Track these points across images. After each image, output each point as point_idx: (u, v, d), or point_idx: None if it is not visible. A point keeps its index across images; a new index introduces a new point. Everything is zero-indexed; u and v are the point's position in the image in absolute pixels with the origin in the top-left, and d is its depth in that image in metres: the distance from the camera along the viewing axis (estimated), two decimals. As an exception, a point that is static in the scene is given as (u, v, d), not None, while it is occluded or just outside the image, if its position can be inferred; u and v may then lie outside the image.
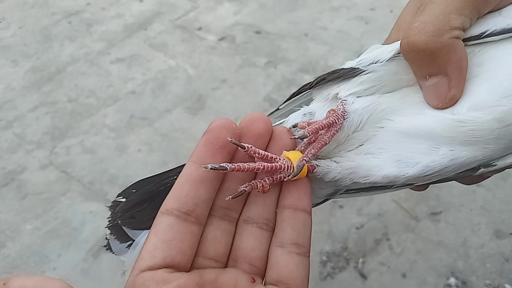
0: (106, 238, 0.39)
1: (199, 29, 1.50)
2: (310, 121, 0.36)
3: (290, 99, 0.43)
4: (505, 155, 0.35)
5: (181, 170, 0.34)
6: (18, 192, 1.04)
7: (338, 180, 0.36)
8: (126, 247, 0.39)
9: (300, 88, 0.42)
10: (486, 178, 0.41)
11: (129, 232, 0.39)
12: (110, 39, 1.46)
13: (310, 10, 1.56)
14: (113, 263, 0.90)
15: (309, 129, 0.34)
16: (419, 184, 0.38)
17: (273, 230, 0.35)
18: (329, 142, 0.35)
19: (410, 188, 0.40)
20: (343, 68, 0.39)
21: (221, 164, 0.32)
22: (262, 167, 0.33)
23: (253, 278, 0.34)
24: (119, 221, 0.39)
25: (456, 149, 0.34)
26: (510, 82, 0.33)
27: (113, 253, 0.39)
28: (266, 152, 0.34)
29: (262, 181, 0.34)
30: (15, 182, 1.06)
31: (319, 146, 0.35)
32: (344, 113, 0.36)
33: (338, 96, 0.38)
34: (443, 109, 0.34)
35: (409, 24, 0.35)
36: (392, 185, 0.37)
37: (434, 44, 0.32)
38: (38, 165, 1.09)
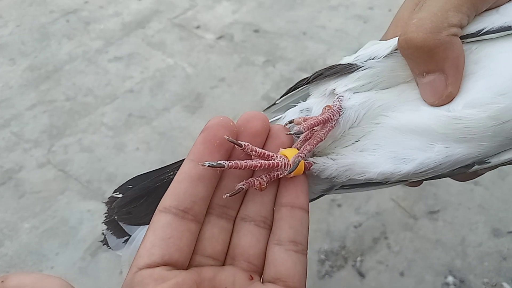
0: (103, 233, 0.40)
1: (197, 27, 1.49)
2: (306, 117, 0.36)
3: (287, 94, 0.43)
4: (499, 153, 0.35)
5: (178, 166, 0.34)
6: (16, 190, 1.04)
7: (334, 177, 0.36)
8: (123, 242, 0.39)
9: (297, 83, 0.42)
10: (480, 175, 0.42)
11: (126, 228, 0.39)
12: (108, 38, 1.46)
13: (309, 9, 1.56)
14: (111, 262, 0.90)
15: (304, 125, 0.34)
16: (413, 180, 0.38)
17: (270, 228, 0.35)
18: (324, 139, 0.35)
19: (405, 184, 0.41)
20: (340, 64, 0.39)
21: (219, 162, 0.32)
22: (259, 165, 0.33)
23: (251, 276, 0.34)
24: (116, 217, 0.39)
25: (451, 146, 0.34)
26: (506, 80, 0.33)
27: (110, 248, 0.39)
28: (263, 150, 0.34)
29: (260, 178, 0.34)
30: (13, 180, 1.06)
31: (314, 142, 0.35)
32: (339, 109, 0.36)
33: (335, 92, 0.38)
34: (440, 106, 0.34)
35: (407, 20, 0.35)
36: (387, 181, 0.37)
37: (432, 41, 0.32)
38: (36, 163, 1.09)
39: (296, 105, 0.40)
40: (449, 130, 0.34)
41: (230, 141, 0.33)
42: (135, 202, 0.39)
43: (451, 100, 0.34)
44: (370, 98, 0.37)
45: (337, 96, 0.37)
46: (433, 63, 0.33)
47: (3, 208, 1.00)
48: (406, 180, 0.38)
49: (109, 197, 0.40)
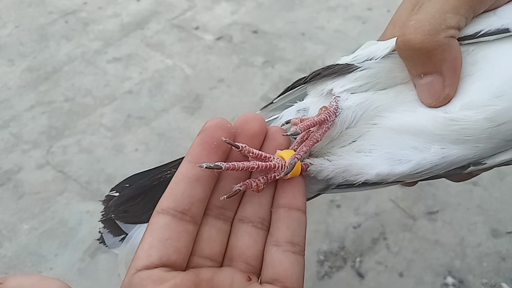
0: (100, 232, 0.40)
1: (196, 28, 1.49)
2: (303, 117, 0.36)
3: (284, 93, 0.43)
4: (495, 154, 0.35)
5: (174, 165, 0.34)
6: (15, 192, 1.03)
7: (331, 178, 0.36)
8: (120, 241, 0.39)
9: (294, 83, 0.42)
10: (475, 176, 0.42)
11: (122, 226, 0.39)
12: (107, 39, 1.46)
13: (307, 9, 1.56)
14: (110, 263, 0.90)
15: (300, 126, 0.34)
16: (409, 180, 0.39)
17: (268, 229, 0.36)
18: (320, 140, 0.35)
19: (400, 184, 0.41)
20: (338, 64, 0.39)
21: (216, 163, 0.32)
22: (256, 166, 0.33)
23: (249, 277, 0.34)
24: (113, 215, 0.39)
25: (447, 148, 0.34)
26: (502, 82, 0.33)
27: (106, 246, 0.40)
28: (260, 152, 0.34)
29: (257, 180, 0.34)
30: (12, 182, 1.05)
31: (310, 143, 0.35)
32: (336, 110, 0.36)
33: (332, 92, 0.38)
34: (437, 107, 0.35)
35: (405, 21, 0.35)
36: (382, 182, 0.37)
37: (429, 43, 0.32)
38: (35, 164, 1.09)
39: (293, 105, 0.40)
40: (445, 131, 0.34)
41: (227, 142, 0.33)
42: (132, 200, 0.39)
43: (448, 101, 0.34)
44: (368, 99, 0.37)
45: (334, 96, 0.37)
46: (431, 65, 0.34)
47: (2, 209, 1.00)
48: (402, 181, 0.38)
49: (106, 196, 0.40)
